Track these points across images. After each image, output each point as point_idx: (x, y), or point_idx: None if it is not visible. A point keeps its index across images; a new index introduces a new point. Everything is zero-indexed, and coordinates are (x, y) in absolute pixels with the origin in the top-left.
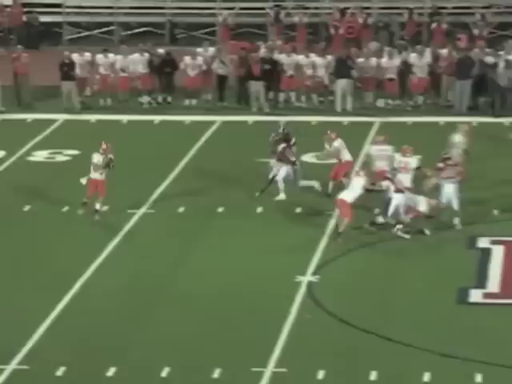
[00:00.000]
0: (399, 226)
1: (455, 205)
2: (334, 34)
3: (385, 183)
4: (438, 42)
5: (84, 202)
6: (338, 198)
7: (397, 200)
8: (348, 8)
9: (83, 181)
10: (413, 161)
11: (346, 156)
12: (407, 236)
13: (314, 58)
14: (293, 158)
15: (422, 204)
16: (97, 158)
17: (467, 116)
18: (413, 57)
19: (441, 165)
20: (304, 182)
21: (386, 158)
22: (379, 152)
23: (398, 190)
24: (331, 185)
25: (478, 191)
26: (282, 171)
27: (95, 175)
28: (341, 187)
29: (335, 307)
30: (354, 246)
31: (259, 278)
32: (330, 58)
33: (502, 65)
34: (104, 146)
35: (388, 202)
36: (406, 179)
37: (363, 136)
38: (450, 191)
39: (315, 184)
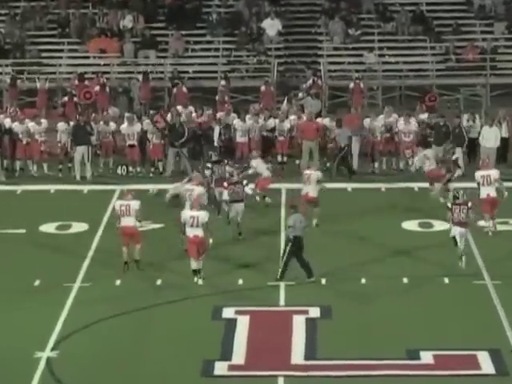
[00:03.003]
0: None
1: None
2: (70, 100)
3: None
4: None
5: None
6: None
7: None
8: (85, 72)
9: None
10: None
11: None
12: None
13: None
14: None
15: None
16: None
17: None
18: (147, 123)
19: None
20: None
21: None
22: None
23: None
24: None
25: (223, 261)
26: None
27: None
28: None
29: (76, 383)
30: (95, 318)
31: None
32: (71, 123)
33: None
34: None
35: None
36: None
37: (105, 204)
38: None
39: None
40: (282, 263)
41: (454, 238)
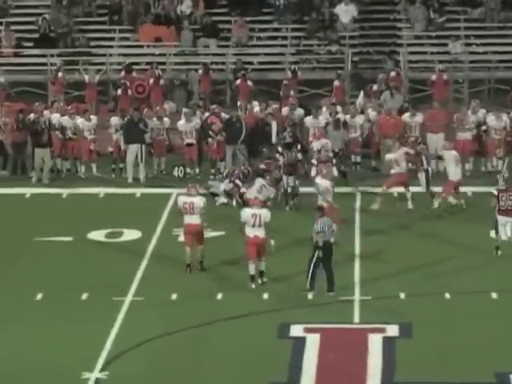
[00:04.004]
0: None
1: None
2: (124, 92)
3: None
4: (244, 100)
5: None
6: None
7: None
8: (137, 63)
9: None
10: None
11: None
12: None
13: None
14: None
15: None
16: None
17: None
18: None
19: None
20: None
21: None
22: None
23: None
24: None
25: (290, 271)
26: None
27: None
28: None
29: None
30: (148, 336)
31: (43, 373)
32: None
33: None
34: None
35: None
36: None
37: (160, 210)
38: None
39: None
40: (309, 272)
41: (496, 227)
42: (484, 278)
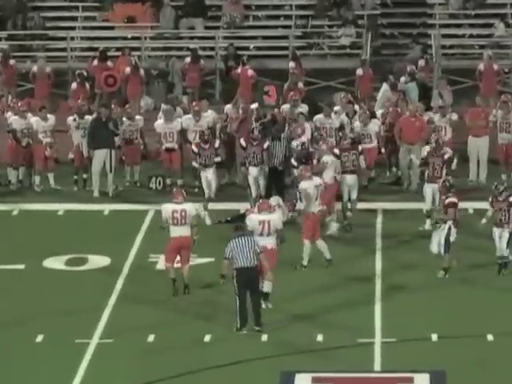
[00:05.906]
0: None
1: None
2: (81, 85)
3: None
4: (244, 96)
5: None
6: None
7: None
8: (109, 49)
9: None
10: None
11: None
12: None
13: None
14: None
15: None
16: None
17: None
18: (187, 119)
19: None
20: None
21: None
22: None
23: None
24: None
25: (296, 306)
26: None
27: None
28: None
29: None
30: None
31: None
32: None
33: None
34: None
35: None
36: None
37: (133, 230)
38: None
39: None
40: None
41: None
42: None
